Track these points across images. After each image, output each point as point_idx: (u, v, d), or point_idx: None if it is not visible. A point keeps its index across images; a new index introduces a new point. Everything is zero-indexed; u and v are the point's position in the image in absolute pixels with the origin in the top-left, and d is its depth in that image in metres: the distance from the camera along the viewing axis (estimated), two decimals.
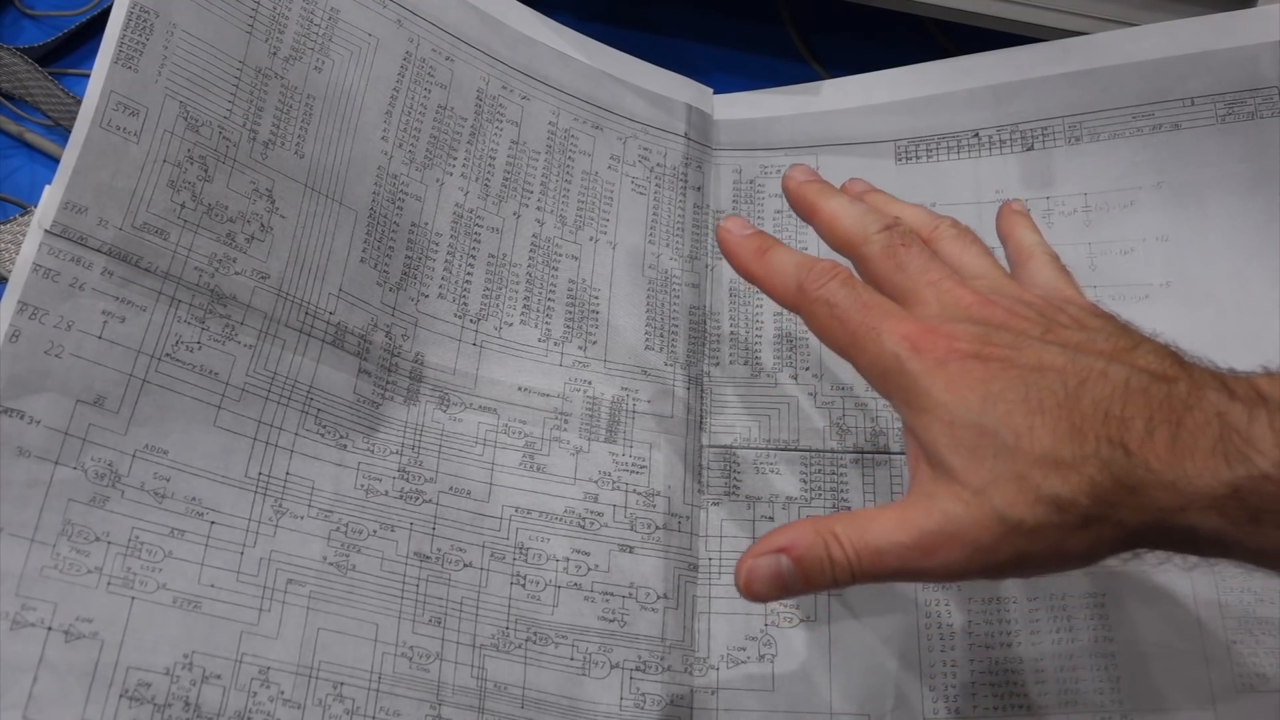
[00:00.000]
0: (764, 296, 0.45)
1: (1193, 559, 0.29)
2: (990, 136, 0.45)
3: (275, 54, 0.37)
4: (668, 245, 0.45)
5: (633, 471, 0.41)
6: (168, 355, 0.33)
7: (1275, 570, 0.28)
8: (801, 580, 0.29)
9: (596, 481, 0.40)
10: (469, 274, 0.41)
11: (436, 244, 0.41)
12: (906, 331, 0.29)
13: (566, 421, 0.41)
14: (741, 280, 0.45)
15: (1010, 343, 0.29)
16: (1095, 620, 0.37)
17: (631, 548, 0.39)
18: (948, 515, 0.28)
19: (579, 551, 0.39)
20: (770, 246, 0.34)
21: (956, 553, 0.28)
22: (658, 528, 0.40)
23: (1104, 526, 0.27)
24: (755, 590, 0.30)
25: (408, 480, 0.37)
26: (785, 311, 0.44)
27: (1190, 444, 0.26)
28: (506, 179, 0.43)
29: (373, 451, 0.37)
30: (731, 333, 0.44)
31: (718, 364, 0.44)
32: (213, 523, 0.33)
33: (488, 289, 0.41)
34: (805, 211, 0.35)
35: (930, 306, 0.31)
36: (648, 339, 0.43)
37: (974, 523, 0.27)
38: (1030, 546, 0.27)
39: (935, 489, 0.29)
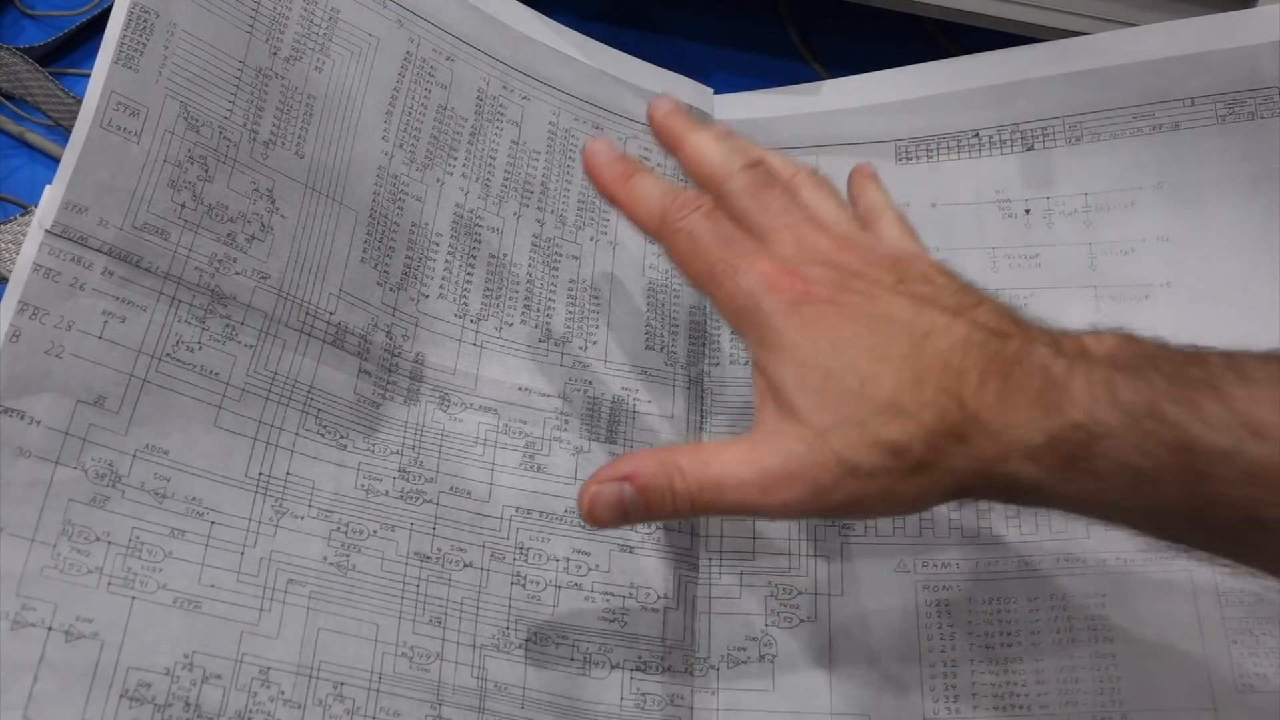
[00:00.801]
0: None
1: (1015, 507, 0.30)
2: (990, 136, 0.45)
3: (275, 54, 0.37)
4: None
5: None
6: (168, 355, 0.33)
7: (1093, 518, 0.29)
8: (643, 508, 0.30)
9: None
10: (469, 274, 0.41)
11: (437, 244, 0.41)
12: (764, 270, 0.30)
13: (567, 422, 0.41)
14: None
15: (864, 290, 0.30)
16: (1095, 620, 0.37)
17: (632, 548, 0.39)
18: (790, 454, 0.29)
19: (579, 552, 0.39)
20: (636, 171, 0.34)
21: (795, 491, 0.29)
22: (658, 528, 0.40)
23: (935, 473, 0.28)
24: (598, 515, 0.30)
25: (408, 480, 0.37)
26: None
27: (1015, 396, 0.27)
28: (507, 179, 0.43)
29: (373, 451, 0.37)
30: (731, 333, 0.44)
31: (718, 364, 0.44)
32: (213, 523, 0.33)
33: (488, 289, 0.41)
34: (670, 143, 0.35)
35: (788, 247, 0.31)
36: (648, 339, 0.43)
37: (814, 463, 0.28)
38: (865, 489, 0.28)
39: (780, 428, 0.29)
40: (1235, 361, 0.26)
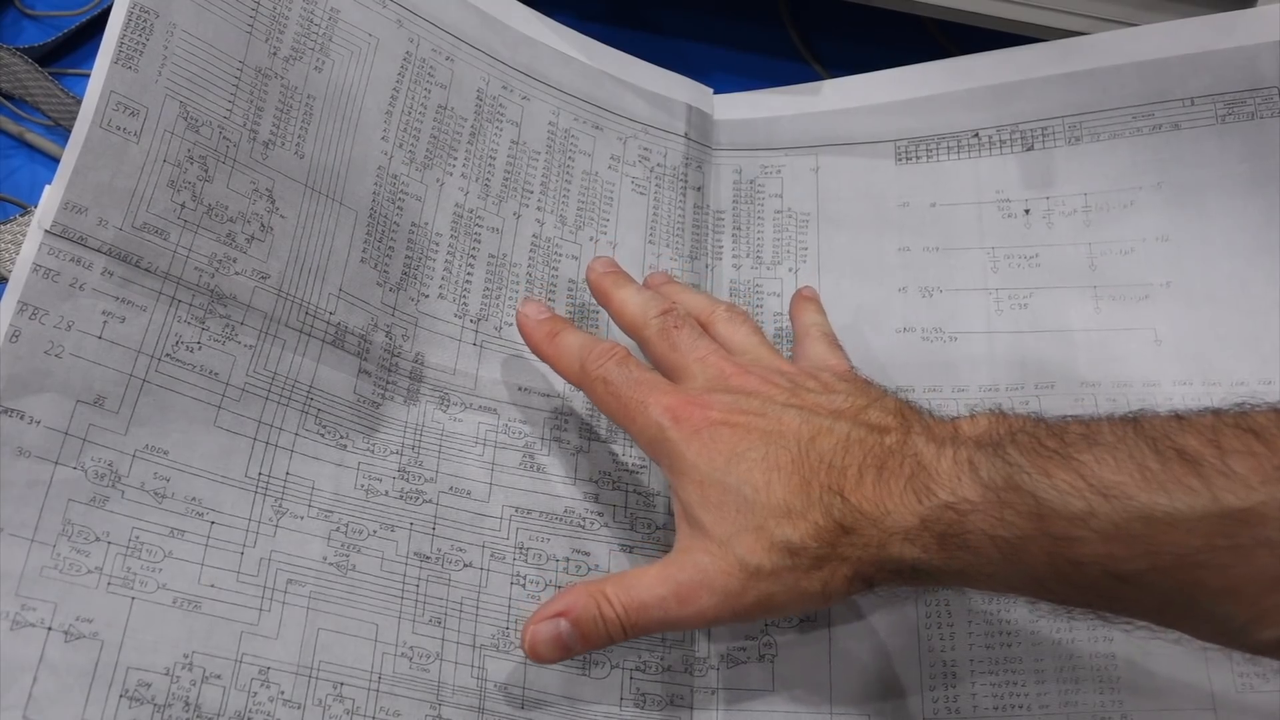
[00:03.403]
0: (764, 298, 0.45)
1: (911, 589, 0.34)
2: (990, 136, 0.45)
3: (275, 54, 0.37)
4: (668, 245, 0.45)
5: (633, 471, 0.41)
6: (168, 355, 0.33)
7: (983, 590, 0.31)
8: (580, 639, 0.32)
9: (597, 481, 0.40)
10: (469, 274, 0.41)
11: (436, 244, 0.41)
12: (669, 404, 0.33)
13: (567, 421, 0.41)
14: (742, 281, 0.46)
15: (757, 408, 0.33)
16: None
17: (632, 548, 0.39)
18: (698, 566, 0.31)
19: (579, 551, 0.39)
20: (560, 330, 0.38)
21: (707, 599, 0.31)
22: (658, 528, 0.40)
23: (833, 565, 0.30)
24: (540, 653, 0.32)
25: (408, 480, 0.37)
26: (784, 313, 0.44)
27: (890, 484, 0.30)
28: (506, 179, 0.43)
29: (373, 451, 0.37)
30: None
31: None
32: (213, 523, 0.33)
33: (488, 289, 0.41)
34: (601, 299, 0.40)
35: (696, 380, 0.35)
36: None
37: (720, 571, 0.31)
38: (771, 589, 0.31)
39: (691, 544, 0.32)
40: (1091, 428, 0.29)
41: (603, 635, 0.32)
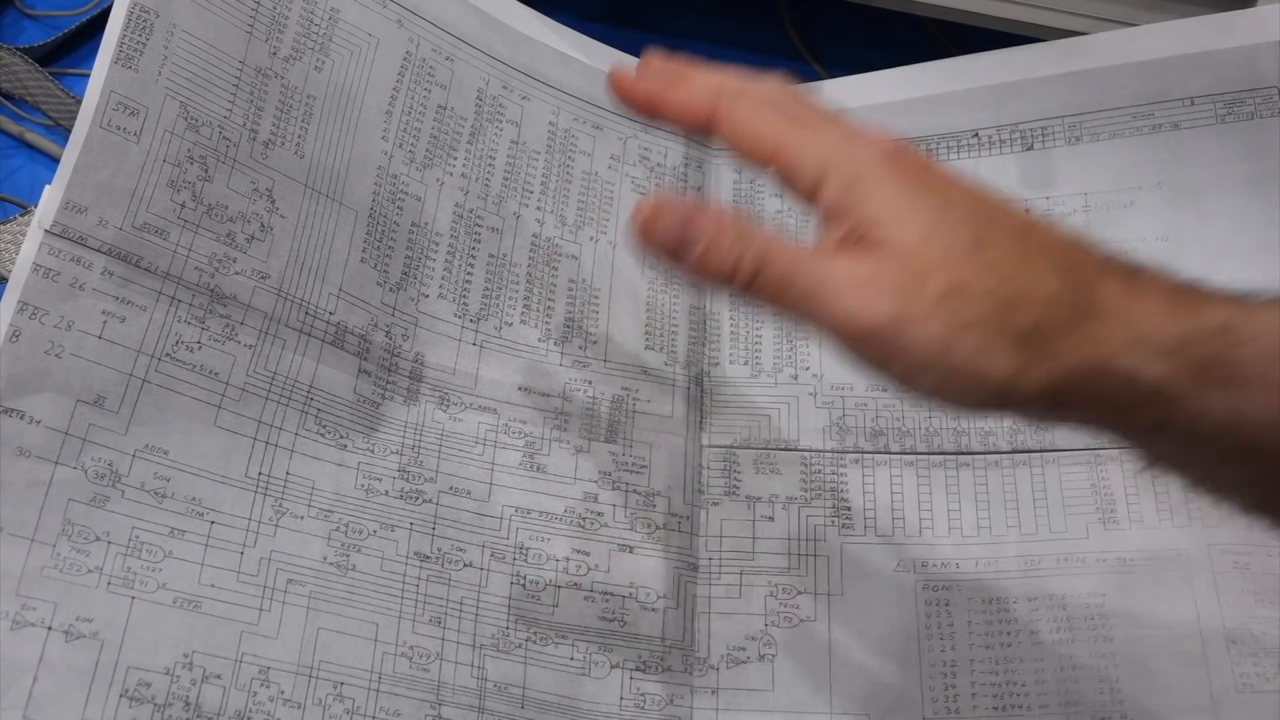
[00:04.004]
0: None
1: (1109, 432, 0.25)
2: (990, 136, 0.45)
3: (275, 54, 0.37)
4: None
5: (633, 471, 0.41)
6: (168, 355, 0.33)
7: (1209, 461, 0.25)
8: (701, 259, 0.27)
9: (597, 481, 0.40)
10: (469, 274, 0.41)
11: (436, 244, 0.41)
12: (846, 127, 0.28)
13: (567, 421, 0.41)
14: None
15: (966, 183, 0.27)
16: (1095, 620, 0.37)
17: (631, 548, 0.39)
18: (879, 269, 0.25)
19: (579, 551, 0.39)
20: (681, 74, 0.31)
21: (879, 302, 0.25)
22: (658, 527, 0.40)
23: (1040, 354, 0.24)
24: (653, 230, 0.27)
25: (408, 480, 0.37)
26: None
27: (1146, 291, 0.25)
28: (506, 179, 0.43)
29: (373, 451, 0.37)
30: (731, 333, 0.44)
31: (718, 364, 0.44)
32: (213, 523, 0.33)
33: (488, 289, 0.41)
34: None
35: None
36: (648, 339, 0.43)
37: (910, 275, 0.25)
38: (954, 341, 0.24)
39: (874, 251, 0.25)
40: None
41: (725, 270, 0.26)
